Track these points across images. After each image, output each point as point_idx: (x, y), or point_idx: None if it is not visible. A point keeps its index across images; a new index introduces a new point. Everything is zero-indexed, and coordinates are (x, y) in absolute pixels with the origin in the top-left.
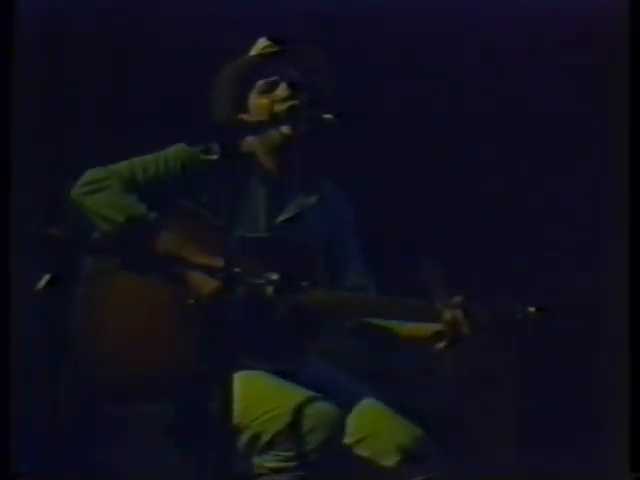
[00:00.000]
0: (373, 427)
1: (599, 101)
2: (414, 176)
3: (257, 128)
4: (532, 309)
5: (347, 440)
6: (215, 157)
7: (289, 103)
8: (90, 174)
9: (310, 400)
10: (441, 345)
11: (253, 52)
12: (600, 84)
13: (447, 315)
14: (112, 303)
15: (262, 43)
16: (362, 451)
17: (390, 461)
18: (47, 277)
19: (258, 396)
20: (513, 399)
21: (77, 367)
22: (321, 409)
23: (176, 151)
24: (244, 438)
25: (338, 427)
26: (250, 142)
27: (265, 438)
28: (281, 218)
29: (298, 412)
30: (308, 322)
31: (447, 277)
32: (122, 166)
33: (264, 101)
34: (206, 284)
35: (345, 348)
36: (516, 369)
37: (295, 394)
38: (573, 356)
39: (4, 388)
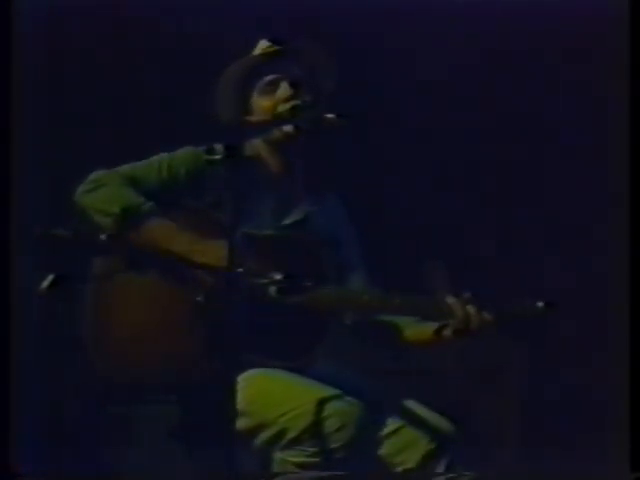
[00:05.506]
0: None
1: (599, 101)
2: (416, 176)
3: (261, 128)
4: (541, 304)
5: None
6: (218, 157)
7: (291, 103)
8: (93, 175)
9: (335, 397)
10: (449, 333)
11: (255, 53)
12: (600, 85)
13: (459, 311)
14: (116, 302)
15: (263, 44)
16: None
17: (412, 459)
18: (50, 277)
19: (282, 393)
20: (513, 399)
21: (78, 367)
22: (347, 406)
23: (181, 156)
24: (266, 434)
25: (363, 424)
26: (254, 143)
27: (291, 435)
28: (286, 222)
29: (325, 409)
30: (315, 321)
31: (451, 276)
32: (125, 167)
33: (267, 102)
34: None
35: (351, 346)
36: (516, 369)
37: (320, 391)
38: (573, 356)
39: (4, 388)
